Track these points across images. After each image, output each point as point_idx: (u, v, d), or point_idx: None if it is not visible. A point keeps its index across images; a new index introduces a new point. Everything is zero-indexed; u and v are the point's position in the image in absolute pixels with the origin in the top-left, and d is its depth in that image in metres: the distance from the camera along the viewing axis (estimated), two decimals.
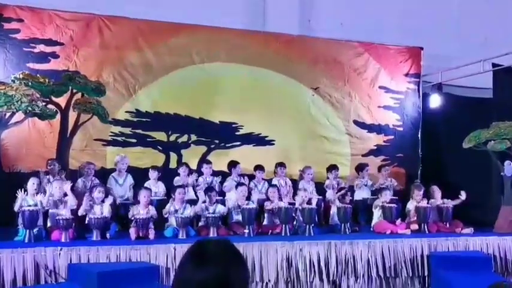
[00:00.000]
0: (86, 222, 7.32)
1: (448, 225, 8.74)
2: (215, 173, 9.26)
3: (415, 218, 8.68)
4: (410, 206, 8.84)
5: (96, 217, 7.17)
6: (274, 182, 9.28)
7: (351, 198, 9.12)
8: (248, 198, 8.57)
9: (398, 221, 8.54)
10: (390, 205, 8.60)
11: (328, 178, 9.84)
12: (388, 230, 8.22)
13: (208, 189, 8.34)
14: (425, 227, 8.49)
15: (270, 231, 8.06)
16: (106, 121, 8.96)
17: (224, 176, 9.30)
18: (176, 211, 7.81)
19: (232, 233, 7.92)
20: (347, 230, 8.17)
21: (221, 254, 1.96)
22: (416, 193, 8.87)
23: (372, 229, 8.59)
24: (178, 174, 8.99)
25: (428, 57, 11.01)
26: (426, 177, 10.46)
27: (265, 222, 8.40)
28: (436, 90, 10.98)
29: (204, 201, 8.19)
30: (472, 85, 10.73)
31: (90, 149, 9.10)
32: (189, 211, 7.78)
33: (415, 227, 8.47)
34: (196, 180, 8.88)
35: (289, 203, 8.30)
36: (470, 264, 7.46)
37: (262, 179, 9.36)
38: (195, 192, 8.89)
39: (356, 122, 10.74)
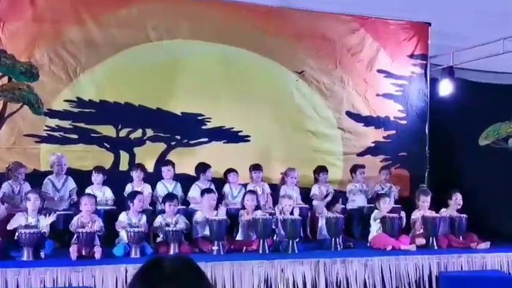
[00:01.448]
0: (16, 237, 7.21)
1: (461, 238, 8.87)
2: (177, 177, 9.26)
3: (422, 231, 8.78)
4: (416, 216, 8.93)
5: (28, 232, 7.09)
6: (249, 188, 9.30)
7: (343, 206, 9.17)
8: (217, 207, 8.56)
9: (402, 235, 8.65)
10: (391, 215, 8.67)
11: (315, 182, 9.92)
12: (389, 245, 8.29)
13: (169, 198, 8.34)
14: (434, 241, 8.59)
15: (245, 247, 8.08)
16: (40, 112, 8.76)
17: (188, 180, 9.31)
18: (130, 225, 7.81)
19: (198, 251, 7.92)
20: (338, 245, 8.22)
21: (180, 274, 1.93)
22: (422, 200, 8.97)
23: (369, 244, 8.66)
24: (131, 179, 8.99)
25: (437, 34, 11.09)
26: (435, 181, 10.61)
27: (238, 237, 8.42)
28: (446, 75, 11.08)
29: (163, 212, 8.16)
30: (490, 69, 10.87)
31: (19, 147, 9.03)
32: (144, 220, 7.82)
33: (421, 241, 8.56)
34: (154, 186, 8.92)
35: (269, 213, 8.33)
36: (488, 286, 7.56)
37: (238, 183, 9.40)
38: (152, 201, 8.91)
39: (350, 114, 10.82)
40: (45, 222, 7.33)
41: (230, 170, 9.46)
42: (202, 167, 9.30)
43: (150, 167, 9.46)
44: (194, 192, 9.09)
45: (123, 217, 7.92)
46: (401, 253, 8.03)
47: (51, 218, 7.38)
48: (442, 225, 8.84)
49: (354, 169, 10.23)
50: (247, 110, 10.15)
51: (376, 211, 8.81)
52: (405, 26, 11.22)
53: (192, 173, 9.40)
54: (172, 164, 9.24)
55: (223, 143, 10.04)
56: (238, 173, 9.45)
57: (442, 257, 7.96)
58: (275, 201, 9.14)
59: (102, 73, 9.48)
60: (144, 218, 7.98)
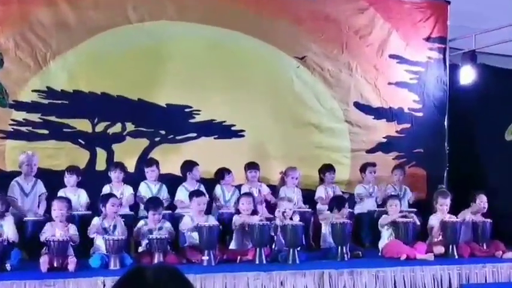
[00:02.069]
0: None
1: (485, 247, 8.84)
2: (162, 178, 9.21)
3: (440, 238, 8.76)
4: (434, 221, 8.91)
5: None
6: (245, 189, 9.29)
7: (350, 210, 9.13)
8: (208, 212, 8.52)
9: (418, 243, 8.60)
10: (405, 220, 8.64)
11: (321, 183, 9.87)
12: (403, 254, 8.25)
13: (152, 205, 8.27)
14: (455, 249, 8.55)
15: (239, 257, 8.04)
16: (4, 104, 8.83)
17: (175, 181, 9.27)
18: (106, 231, 7.77)
19: (186, 261, 7.89)
20: (345, 254, 8.19)
21: (163, 285, 1.96)
22: (441, 203, 8.95)
23: (380, 253, 8.63)
24: (109, 180, 8.93)
25: (458, 15, 11.09)
26: (455, 181, 10.58)
27: (232, 246, 8.39)
28: (468, 61, 11.06)
29: (146, 217, 8.13)
30: None
31: None
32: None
33: (440, 250, 8.54)
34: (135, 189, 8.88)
35: (266, 219, 8.28)
36: None
37: (231, 185, 9.38)
38: (133, 205, 8.85)
39: (358, 105, 10.79)
40: (7, 228, 7.27)
41: (222, 170, 9.42)
42: (188, 165, 9.25)
43: (130, 166, 9.42)
44: (181, 194, 9.04)
45: (96, 221, 7.88)
46: (417, 263, 7.99)
47: (9, 221, 7.30)
48: (464, 231, 8.81)
49: (363, 168, 10.21)
50: (241, 102, 10.12)
51: (384, 216, 8.81)
52: (421, 5, 11.20)
53: (179, 173, 9.36)
54: (157, 163, 9.20)
55: (214, 138, 9.99)
56: (232, 172, 9.39)
57: (464, 268, 7.91)
58: (274, 205, 9.07)
59: (75, 59, 9.43)
60: (120, 223, 7.94)
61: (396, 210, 8.76)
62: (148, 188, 9.04)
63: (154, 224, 8.03)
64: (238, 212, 8.54)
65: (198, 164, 9.27)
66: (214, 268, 7.46)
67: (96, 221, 7.89)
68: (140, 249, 8.07)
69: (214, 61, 10.03)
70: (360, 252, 8.58)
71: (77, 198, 8.65)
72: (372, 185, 10.10)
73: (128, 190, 8.91)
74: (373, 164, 10.22)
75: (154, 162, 9.22)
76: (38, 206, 8.60)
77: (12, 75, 8.99)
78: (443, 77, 11.25)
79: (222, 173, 9.42)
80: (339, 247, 8.23)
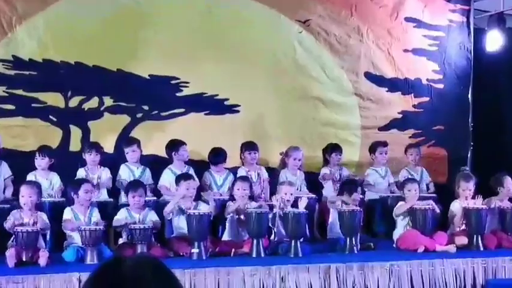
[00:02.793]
0: None
1: None
2: (145, 160, 9.22)
3: (463, 227, 8.77)
4: (456, 207, 8.91)
5: None
6: (241, 173, 9.28)
7: (361, 196, 9.13)
8: (198, 198, 8.53)
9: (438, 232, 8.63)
10: (423, 206, 8.63)
11: (325, 165, 9.86)
12: (421, 245, 8.27)
13: (132, 186, 8.29)
14: (480, 240, 8.56)
15: (234, 250, 8.06)
16: None
17: (160, 163, 9.27)
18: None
19: (173, 254, 7.92)
20: (355, 246, 8.20)
21: (144, 278, 1.97)
22: (464, 187, 8.95)
23: (395, 245, 8.64)
24: (84, 162, 8.92)
25: None
26: (480, 163, 10.60)
27: (225, 237, 8.41)
28: (495, 24, 11.04)
29: (127, 205, 8.12)
30: None
31: None
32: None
33: (462, 240, 8.55)
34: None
35: (264, 206, 8.29)
36: None
37: (224, 168, 9.38)
38: (113, 191, 8.86)
39: (369, 76, 10.77)
40: None
41: (215, 151, 9.39)
42: (173, 145, 9.24)
43: (109, 146, 9.43)
44: (166, 178, 9.04)
45: (68, 214, 7.86)
46: (437, 255, 8.02)
47: None
48: (490, 219, 8.82)
49: (373, 148, 10.20)
50: (235, 72, 10.10)
51: (400, 203, 8.77)
52: None
53: (165, 154, 9.36)
54: (138, 143, 9.16)
55: (205, 114, 10.00)
56: (225, 154, 9.41)
57: (490, 261, 7.93)
58: (273, 191, 9.07)
59: (45, 25, 9.40)
60: (95, 212, 7.94)
61: (414, 196, 8.73)
62: (130, 172, 9.02)
63: (136, 209, 8.05)
64: (232, 198, 8.53)
65: (185, 143, 9.25)
66: (205, 262, 7.47)
67: (69, 215, 7.85)
68: (121, 240, 8.08)
69: (204, 26, 9.99)
70: (372, 244, 8.61)
71: (48, 183, 8.63)
72: (384, 168, 10.07)
73: (106, 173, 8.92)
74: (384, 144, 10.18)
75: (135, 142, 9.19)
76: (4, 192, 8.59)
77: None
78: (467, 43, 11.24)
79: (214, 154, 9.41)
80: (348, 238, 8.22)
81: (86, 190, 7.91)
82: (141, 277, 1.97)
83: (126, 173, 9.00)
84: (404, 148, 10.39)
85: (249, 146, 9.59)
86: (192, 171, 9.02)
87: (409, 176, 9.77)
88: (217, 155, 9.39)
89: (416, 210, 8.59)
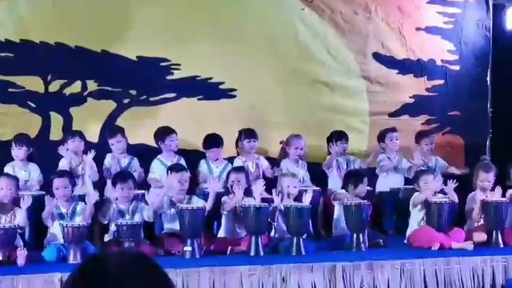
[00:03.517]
0: None
1: None
2: (133, 150, 9.24)
3: (482, 222, 8.78)
4: (474, 201, 8.91)
5: None
6: (238, 163, 9.31)
7: (369, 188, 9.16)
8: (191, 191, 8.56)
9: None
10: (439, 200, 8.64)
11: (330, 154, 9.85)
12: (436, 242, 8.26)
13: (120, 178, 8.32)
14: (499, 236, 8.57)
15: (230, 248, 8.09)
16: None
17: (150, 153, 9.32)
18: (62, 216, 7.78)
19: (163, 252, 7.94)
20: (363, 243, 8.22)
21: (130, 275, 1.99)
22: (483, 178, 8.95)
23: (406, 241, 8.65)
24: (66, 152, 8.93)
25: None
26: (500, 151, 10.61)
27: (221, 233, 8.45)
28: None
29: (116, 199, 8.17)
30: None
31: None
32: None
33: (481, 237, 8.56)
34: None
35: (264, 200, 8.30)
36: None
37: (222, 158, 9.42)
38: (98, 182, 8.89)
39: (378, 57, 10.79)
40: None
41: (210, 138, 9.41)
42: (160, 133, 9.26)
43: (93, 134, 9.46)
44: (157, 170, 9.07)
45: (49, 208, 7.86)
46: (453, 253, 8.02)
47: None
48: (511, 213, 8.80)
49: (382, 136, 10.17)
50: (231, 54, 10.12)
51: (416, 194, 8.74)
52: None
53: (155, 143, 9.40)
54: (122, 132, 9.18)
55: (198, 99, 10.03)
56: (221, 142, 9.43)
57: (511, 258, 7.91)
58: (273, 183, 9.06)
59: (23, 2, 9.42)
60: (79, 206, 7.96)
61: (433, 188, 8.67)
62: (116, 161, 9.06)
63: (124, 202, 8.09)
64: (228, 191, 8.55)
65: (173, 132, 9.26)
66: (199, 261, 7.49)
67: (49, 209, 7.86)
68: (106, 237, 8.11)
69: (197, 3, 10.04)
70: (381, 241, 8.63)
71: (27, 175, 8.68)
72: (394, 157, 10.05)
73: (91, 164, 8.91)
74: (393, 129, 10.15)
75: (119, 132, 9.21)
76: None
77: None
78: (486, 20, 11.22)
79: (209, 143, 9.43)
80: (355, 234, 8.25)
81: (64, 185, 7.95)
82: (128, 274, 1.98)
83: (112, 162, 9.04)
84: (415, 136, 10.35)
85: (248, 133, 9.60)
86: (183, 162, 9.04)
87: (422, 166, 9.74)
88: (212, 139, 9.39)
89: (431, 204, 8.58)
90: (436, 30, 11.06)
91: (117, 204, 8.12)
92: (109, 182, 8.78)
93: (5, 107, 9.35)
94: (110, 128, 9.43)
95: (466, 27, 11.17)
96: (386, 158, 10.02)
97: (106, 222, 8.12)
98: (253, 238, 7.97)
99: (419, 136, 10.32)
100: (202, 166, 9.36)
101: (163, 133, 9.28)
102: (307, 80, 10.51)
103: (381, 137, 10.17)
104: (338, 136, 9.93)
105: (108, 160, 9.07)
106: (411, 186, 9.16)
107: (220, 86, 10.09)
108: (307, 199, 8.31)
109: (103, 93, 9.69)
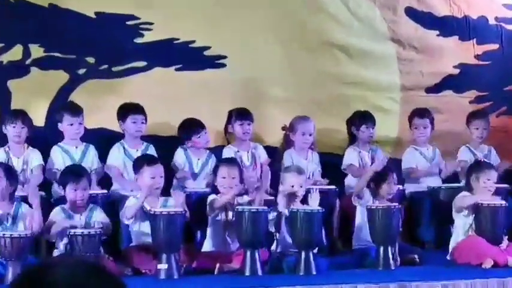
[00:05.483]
0: None
1: None
2: (90, 136, 9.28)
3: None
4: None
5: None
6: (228, 154, 9.38)
7: (401, 188, 9.21)
8: (166, 191, 8.59)
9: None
10: (492, 202, 8.68)
11: (351, 143, 9.93)
12: (488, 258, 8.32)
13: (72, 175, 8.32)
14: None
15: (218, 265, 8.09)
16: None
17: (112, 140, 9.35)
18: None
19: (132, 272, 8.01)
20: (393, 260, 8.27)
21: (81, 286, 2.05)
22: None
23: (450, 257, 8.69)
24: (4, 139, 8.98)
25: None
26: None
27: (206, 247, 8.52)
28: None
29: (63, 202, 8.19)
30: None
31: None
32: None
33: None
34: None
35: (263, 202, 8.36)
36: None
37: (205, 148, 9.49)
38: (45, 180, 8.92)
39: (412, 13, 10.81)
40: None
41: (190, 122, 9.44)
42: (122, 112, 9.26)
43: (39, 116, 9.48)
44: (118, 157, 9.15)
45: None
46: (510, 272, 8.07)
47: None
48: None
49: (412, 117, 10.18)
50: (219, 10, 10.15)
51: (462, 194, 8.79)
52: None
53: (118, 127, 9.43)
54: (77, 113, 9.14)
55: (176, 70, 10.06)
56: (205, 127, 9.43)
57: None
58: (275, 180, 9.12)
59: None
60: (21, 210, 7.99)
61: (489, 188, 8.74)
62: (65, 154, 9.06)
63: (78, 207, 8.10)
64: (215, 190, 8.58)
65: (140, 111, 9.25)
66: (178, 283, 7.62)
67: None
68: (56, 252, 8.14)
69: None
70: (416, 256, 8.66)
71: None
72: (430, 148, 10.11)
73: (36, 157, 8.97)
74: (425, 113, 10.13)
75: (77, 111, 9.16)
76: None
77: None
78: None
79: (188, 128, 9.45)
80: (382, 248, 8.30)
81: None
82: (76, 284, 2.05)
83: (60, 159, 9.02)
84: (466, 118, 10.36)
85: (240, 114, 9.62)
86: (153, 151, 9.08)
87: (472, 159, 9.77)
88: (191, 125, 9.40)
89: (483, 207, 8.62)
90: None
91: (66, 210, 8.13)
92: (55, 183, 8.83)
93: None
94: (67, 106, 9.38)
95: None
96: (414, 151, 10.07)
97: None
98: (248, 252, 8.00)
99: (471, 118, 10.30)
100: (179, 157, 9.37)
101: (125, 111, 9.28)
102: (318, 44, 10.52)
103: (412, 119, 10.15)
104: (362, 118, 9.95)
105: (54, 154, 9.05)
106: (456, 185, 9.19)
107: (205, 52, 10.11)
108: (314, 200, 8.33)
109: (51, 61, 9.70)
